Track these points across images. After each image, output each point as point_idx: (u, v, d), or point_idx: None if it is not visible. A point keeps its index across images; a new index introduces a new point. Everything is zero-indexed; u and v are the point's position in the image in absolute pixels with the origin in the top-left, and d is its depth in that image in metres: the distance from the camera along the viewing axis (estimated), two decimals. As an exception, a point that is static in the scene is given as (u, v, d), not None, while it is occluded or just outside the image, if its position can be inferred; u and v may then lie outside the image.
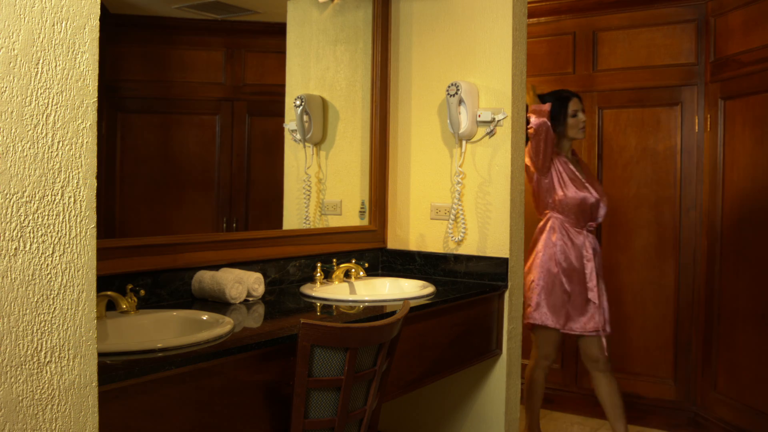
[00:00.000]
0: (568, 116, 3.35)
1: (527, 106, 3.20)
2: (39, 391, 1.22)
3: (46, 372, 1.23)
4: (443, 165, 3.16)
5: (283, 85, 3.10)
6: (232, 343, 1.83)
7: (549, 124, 3.18)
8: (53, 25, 1.23)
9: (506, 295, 3.00)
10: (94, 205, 1.30)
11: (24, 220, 1.19)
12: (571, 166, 3.33)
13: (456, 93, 2.97)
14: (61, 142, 1.24)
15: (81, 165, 1.27)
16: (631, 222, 3.95)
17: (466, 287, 2.89)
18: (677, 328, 3.80)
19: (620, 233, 3.97)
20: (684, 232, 3.79)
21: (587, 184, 3.30)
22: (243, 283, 2.41)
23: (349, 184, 3.28)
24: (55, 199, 1.24)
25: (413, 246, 3.25)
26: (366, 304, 2.53)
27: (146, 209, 2.68)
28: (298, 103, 3.10)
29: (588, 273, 3.24)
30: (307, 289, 2.66)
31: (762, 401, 3.28)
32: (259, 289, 2.49)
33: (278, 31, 3.10)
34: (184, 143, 2.82)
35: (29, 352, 1.20)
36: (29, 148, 1.20)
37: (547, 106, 3.22)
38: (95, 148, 1.30)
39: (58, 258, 1.24)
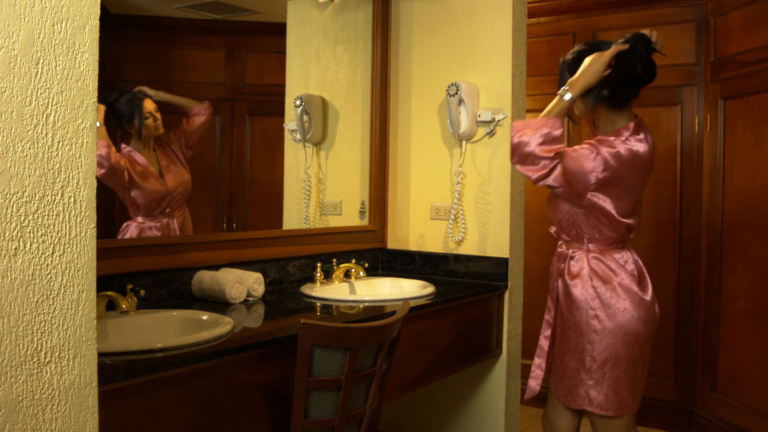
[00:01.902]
0: None
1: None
2: (39, 391, 1.22)
3: (46, 372, 1.23)
4: (443, 165, 3.16)
5: (283, 85, 3.10)
6: (232, 343, 1.83)
7: None
8: (53, 25, 1.23)
9: (506, 295, 3.00)
10: (94, 205, 1.30)
11: (24, 220, 1.19)
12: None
13: (456, 93, 2.97)
14: (61, 142, 1.24)
15: (81, 165, 1.27)
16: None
17: (466, 287, 2.88)
18: (677, 328, 3.80)
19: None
20: (684, 232, 3.79)
21: None
22: (243, 283, 2.41)
23: (349, 184, 3.28)
24: (55, 199, 1.24)
25: (413, 246, 3.25)
26: (366, 304, 2.53)
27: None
28: (298, 103, 3.10)
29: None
30: (307, 289, 2.66)
31: (762, 401, 3.28)
32: (259, 289, 2.49)
33: (278, 31, 3.10)
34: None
35: (29, 352, 1.20)
36: (29, 148, 1.20)
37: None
38: (95, 148, 1.30)
39: (58, 258, 1.24)
